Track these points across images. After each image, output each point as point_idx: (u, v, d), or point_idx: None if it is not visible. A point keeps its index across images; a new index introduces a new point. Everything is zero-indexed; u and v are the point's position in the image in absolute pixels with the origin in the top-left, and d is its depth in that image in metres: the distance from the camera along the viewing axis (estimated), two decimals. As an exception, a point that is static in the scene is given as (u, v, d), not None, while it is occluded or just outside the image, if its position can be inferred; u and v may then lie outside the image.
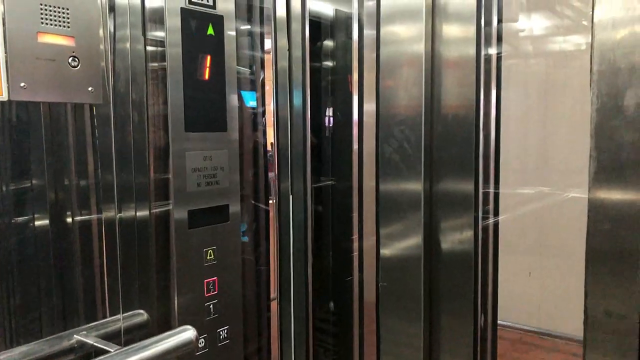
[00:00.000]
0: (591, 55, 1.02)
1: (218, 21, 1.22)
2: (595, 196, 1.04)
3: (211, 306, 1.27)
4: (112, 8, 1.19)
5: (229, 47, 1.25)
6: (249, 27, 1.60)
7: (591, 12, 1.03)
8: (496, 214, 1.40)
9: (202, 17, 1.19)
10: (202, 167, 1.22)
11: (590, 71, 1.03)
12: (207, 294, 1.26)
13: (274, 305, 1.62)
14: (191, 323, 1.18)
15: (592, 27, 1.03)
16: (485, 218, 1.33)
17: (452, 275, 1.29)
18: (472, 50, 1.24)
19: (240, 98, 1.46)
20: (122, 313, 1.23)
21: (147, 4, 1.21)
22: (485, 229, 1.34)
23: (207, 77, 1.21)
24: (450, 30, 1.28)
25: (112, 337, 1.18)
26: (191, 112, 1.18)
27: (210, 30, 1.20)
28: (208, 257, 1.25)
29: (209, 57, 1.20)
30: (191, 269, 1.23)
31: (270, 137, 1.61)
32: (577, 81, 1.11)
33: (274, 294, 1.60)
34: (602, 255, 1.04)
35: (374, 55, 1.42)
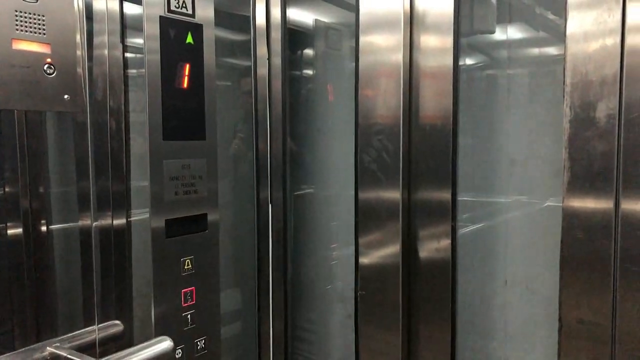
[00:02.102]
0: (564, 68, 1.05)
1: (197, 30, 1.22)
2: (569, 205, 1.06)
3: (188, 316, 1.26)
4: (89, 15, 1.18)
5: (208, 56, 1.25)
6: (228, 35, 1.60)
7: (564, 25, 1.05)
8: (473, 222, 1.42)
9: (181, 26, 1.18)
10: (181, 175, 1.21)
11: (564, 83, 1.05)
12: (184, 303, 1.25)
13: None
14: (168, 333, 1.16)
15: (565, 40, 1.05)
16: (462, 227, 1.34)
17: (430, 284, 1.30)
18: (449, 61, 1.26)
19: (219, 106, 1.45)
20: (98, 324, 1.21)
21: (126, 11, 1.20)
22: (463, 238, 1.35)
23: (185, 85, 1.20)
24: (428, 40, 1.30)
25: (87, 349, 1.16)
26: (169, 120, 1.17)
27: (189, 39, 1.20)
28: (186, 267, 1.24)
29: (187, 66, 1.20)
30: (168, 278, 1.21)
31: (250, 146, 1.61)
32: (553, 92, 1.13)
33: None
34: (576, 264, 1.06)
35: (354, 64, 1.43)
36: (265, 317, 1.58)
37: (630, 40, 0.98)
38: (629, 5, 0.98)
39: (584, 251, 1.05)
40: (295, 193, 1.64)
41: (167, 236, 1.19)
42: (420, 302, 1.32)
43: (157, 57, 1.15)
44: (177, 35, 1.17)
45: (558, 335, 1.09)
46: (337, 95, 1.64)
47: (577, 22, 1.03)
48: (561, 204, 1.07)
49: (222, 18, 1.50)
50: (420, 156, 1.30)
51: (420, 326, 1.33)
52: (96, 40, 1.20)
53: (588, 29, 1.02)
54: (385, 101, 1.32)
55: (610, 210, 1.02)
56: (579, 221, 1.05)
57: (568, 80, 1.04)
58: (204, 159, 1.26)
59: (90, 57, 1.19)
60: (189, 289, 1.25)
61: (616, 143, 0.99)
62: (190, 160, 1.23)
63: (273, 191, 1.55)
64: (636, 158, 0.98)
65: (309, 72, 1.69)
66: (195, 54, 1.21)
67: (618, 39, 0.99)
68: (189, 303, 1.25)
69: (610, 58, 0.99)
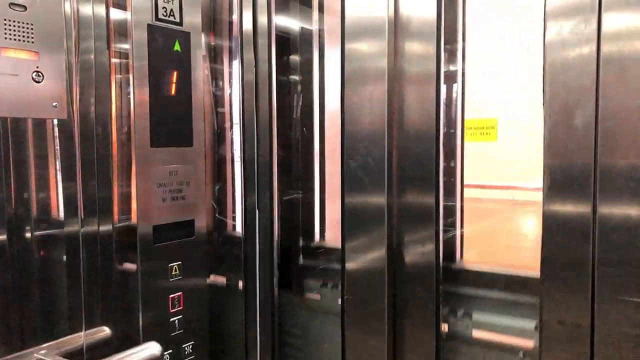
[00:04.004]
0: (543, 76, 1.08)
1: (185, 37, 1.23)
2: (549, 209, 1.09)
3: (176, 321, 1.27)
4: (77, 21, 1.19)
5: (196, 63, 1.26)
6: (215, 41, 1.61)
7: (542, 34, 1.08)
8: (458, 226, 1.44)
9: (168, 34, 1.20)
10: (168, 182, 1.23)
11: (543, 91, 1.08)
12: (172, 309, 1.25)
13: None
14: (156, 339, 1.17)
15: (544, 48, 1.08)
16: (446, 231, 1.36)
17: (415, 287, 1.32)
18: (433, 68, 1.28)
19: (205, 112, 1.46)
20: (85, 330, 1.21)
21: (113, 19, 1.21)
22: (447, 242, 1.37)
23: (173, 92, 1.21)
24: (412, 47, 1.32)
25: (74, 355, 1.16)
26: (157, 127, 1.18)
27: (177, 47, 1.21)
28: (173, 273, 1.25)
29: (175, 73, 1.21)
30: (156, 284, 1.22)
31: (237, 152, 1.62)
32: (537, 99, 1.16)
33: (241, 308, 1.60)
34: (556, 266, 1.08)
35: (340, 70, 1.44)
36: (252, 322, 1.59)
37: (606, 48, 1.01)
38: (604, 15, 1.01)
39: (563, 254, 1.08)
40: (284, 198, 1.65)
41: (155, 242, 1.20)
42: (405, 306, 1.34)
43: (145, 63, 1.16)
44: (165, 43, 1.18)
45: (539, 336, 1.11)
46: (324, 101, 1.66)
47: (555, 31, 1.06)
48: (541, 208, 1.09)
49: (209, 24, 1.51)
50: (405, 161, 1.32)
51: (405, 330, 1.35)
52: (83, 45, 1.21)
53: (565, 38, 1.05)
54: (370, 107, 1.34)
55: (588, 214, 1.05)
56: (559, 225, 1.07)
57: (547, 88, 1.07)
58: (191, 165, 1.27)
59: (77, 64, 1.20)
60: (177, 294, 1.26)
61: (593, 149, 1.02)
62: (178, 167, 1.24)
63: (260, 196, 1.57)
64: (612, 164, 1.01)
65: (296, 77, 1.70)
66: (182, 61, 1.23)
67: (594, 47, 1.02)
68: (177, 308, 1.26)
69: (586, 66, 1.02)
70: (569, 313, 1.07)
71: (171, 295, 1.25)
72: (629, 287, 1.01)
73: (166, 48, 1.19)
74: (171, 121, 1.21)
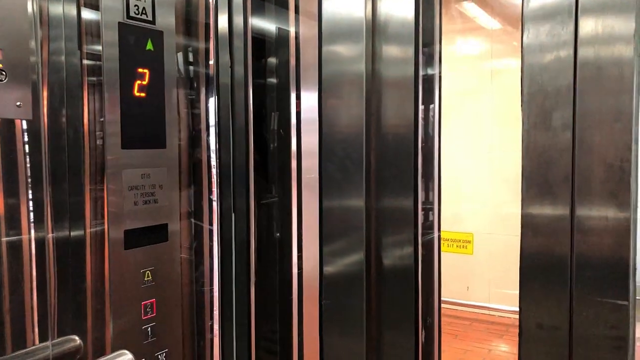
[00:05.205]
0: (521, 78, 1.08)
1: (157, 36, 1.20)
2: (527, 212, 1.09)
3: (149, 329, 1.23)
4: (45, 20, 1.15)
5: (169, 63, 1.23)
6: (190, 42, 1.58)
7: (521, 38, 1.08)
8: (436, 230, 1.44)
9: (140, 33, 1.16)
10: (140, 185, 1.19)
11: (521, 93, 1.08)
12: (144, 316, 1.21)
13: (216, 327, 1.58)
14: (128, 347, 1.13)
15: (522, 51, 1.08)
16: (425, 234, 1.36)
17: (394, 291, 1.31)
18: (411, 71, 1.28)
19: (180, 114, 1.43)
20: (53, 339, 1.16)
21: (84, 17, 1.17)
22: (425, 245, 1.36)
23: (145, 93, 1.18)
24: (390, 51, 1.31)
25: (41, 366, 1.12)
26: (128, 128, 1.15)
27: (149, 46, 1.18)
28: (146, 278, 1.21)
29: (147, 73, 1.18)
30: (127, 290, 1.18)
31: (213, 154, 1.59)
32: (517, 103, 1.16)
33: (216, 315, 1.56)
34: (535, 269, 1.08)
35: (317, 73, 1.43)
36: (229, 327, 1.56)
37: (582, 51, 1.01)
38: (580, 19, 1.02)
39: (542, 257, 1.08)
40: (261, 202, 1.63)
41: (126, 247, 1.16)
42: (384, 310, 1.33)
43: (116, 64, 1.12)
44: (137, 42, 1.15)
45: (518, 339, 1.11)
46: (302, 104, 1.64)
47: (533, 34, 1.06)
48: (520, 211, 1.09)
49: (185, 25, 1.48)
50: (383, 165, 1.31)
51: (384, 334, 1.33)
52: (53, 46, 1.17)
53: (543, 41, 1.05)
54: (348, 110, 1.33)
55: (566, 217, 1.05)
56: (537, 228, 1.07)
57: (525, 90, 1.07)
58: (165, 168, 1.24)
59: (46, 64, 1.15)
60: (149, 301, 1.22)
61: (571, 151, 1.02)
62: (150, 169, 1.20)
63: (236, 200, 1.54)
64: (590, 166, 1.01)
65: (273, 80, 1.68)
66: (155, 61, 1.19)
67: (571, 50, 1.02)
68: (149, 315, 1.22)
69: (564, 69, 1.03)
70: (547, 316, 1.07)
71: (143, 302, 1.21)
72: (606, 289, 1.01)
73: (138, 47, 1.15)
74: (143, 122, 1.18)
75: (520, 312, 1.09)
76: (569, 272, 1.05)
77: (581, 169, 1.01)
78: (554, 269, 1.06)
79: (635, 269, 0.99)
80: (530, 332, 1.09)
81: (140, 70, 1.16)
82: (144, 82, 1.17)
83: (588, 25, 1.01)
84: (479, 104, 5.16)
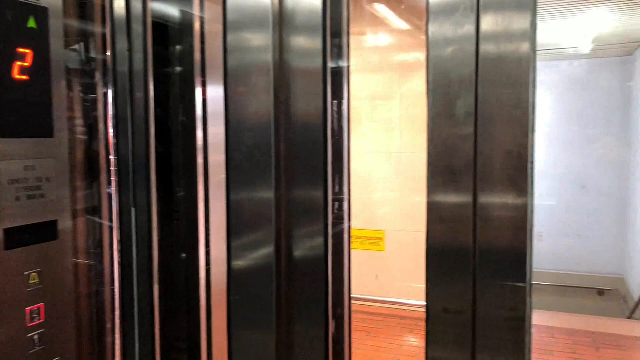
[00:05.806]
0: (427, 67, 1.09)
1: (42, 13, 1.08)
2: (432, 199, 1.10)
3: (36, 337, 1.11)
4: None
5: (56, 45, 1.12)
6: (85, 26, 1.46)
7: (426, 28, 1.10)
8: (346, 220, 1.43)
9: (21, 8, 1.04)
10: (23, 178, 1.07)
11: (427, 82, 1.09)
12: (30, 323, 1.09)
13: (116, 328, 1.48)
14: (11, 358, 1.01)
15: (427, 41, 1.09)
16: (335, 224, 1.35)
17: (304, 283, 1.29)
18: (319, 62, 1.26)
19: (73, 102, 1.32)
20: None
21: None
22: (336, 236, 1.36)
23: (28, 75, 1.06)
24: (298, 41, 1.29)
25: None
26: (8, 115, 1.02)
27: (31, 23, 1.06)
28: (31, 282, 1.09)
29: (30, 53, 1.06)
30: (9, 296, 1.06)
31: (111, 146, 1.48)
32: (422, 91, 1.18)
33: (116, 316, 1.46)
34: (440, 255, 1.10)
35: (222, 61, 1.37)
36: (131, 329, 1.46)
37: (484, 41, 1.04)
38: (482, 11, 1.05)
39: (447, 243, 1.10)
40: (165, 196, 1.54)
41: (7, 247, 1.04)
42: (294, 302, 1.30)
43: (-8, 42, 1.00)
44: (17, 18, 1.03)
45: (425, 324, 1.12)
46: (208, 93, 1.57)
47: (437, 25, 1.08)
48: (425, 198, 1.11)
49: (79, 6, 1.37)
50: (293, 154, 1.29)
51: (295, 326, 1.31)
52: None
53: (447, 32, 1.07)
54: (256, 99, 1.29)
55: (469, 204, 1.07)
56: (441, 214, 1.09)
57: (430, 79, 1.08)
58: (52, 159, 1.12)
59: None
60: (36, 306, 1.10)
61: (474, 139, 1.05)
62: (35, 161, 1.08)
63: (137, 194, 1.44)
64: (492, 154, 1.04)
65: (178, 68, 1.60)
66: (39, 40, 1.07)
67: (473, 40, 1.05)
68: (37, 322, 1.10)
69: (466, 58, 1.05)
70: (452, 300, 1.10)
71: (29, 308, 1.09)
72: (506, 273, 1.05)
73: (18, 24, 1.03)
74: (26, 109, 1.06)
75: (427, 298, 1.11)
76: (472, 257, 1.08)
77: (483, 156, 1.04)
78: (459, 254, 1.08)
79: (532, 252, 1.04)
80: (437, 317, 1.11)
81: (21, 50, 1.04)
82: (26, 64, 1.05)
83: (489, 17, 1.04)
84: (391, 102, 5.31)
